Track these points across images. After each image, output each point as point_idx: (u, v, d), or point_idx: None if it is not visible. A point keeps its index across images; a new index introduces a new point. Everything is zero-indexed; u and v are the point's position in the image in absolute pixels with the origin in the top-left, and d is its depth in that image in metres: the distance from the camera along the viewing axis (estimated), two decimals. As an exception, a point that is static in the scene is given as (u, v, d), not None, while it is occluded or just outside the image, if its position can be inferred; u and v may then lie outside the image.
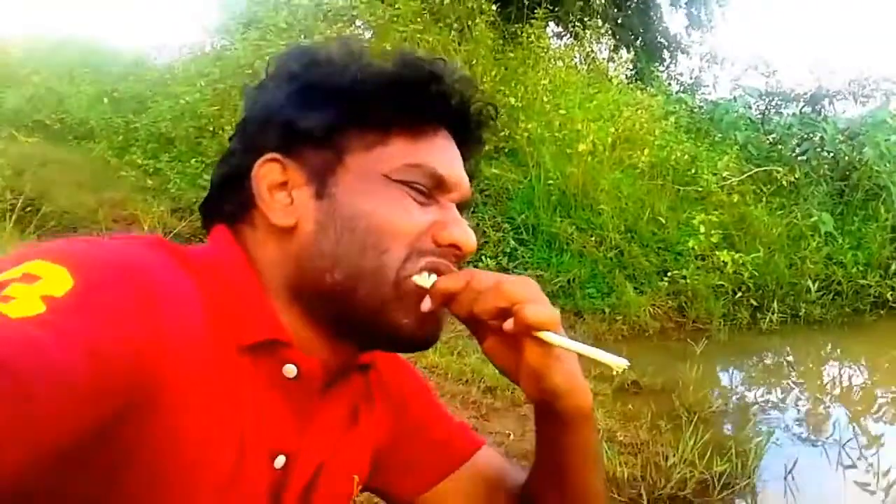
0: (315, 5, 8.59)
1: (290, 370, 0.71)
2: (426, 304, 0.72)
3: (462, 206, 0.78)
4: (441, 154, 0.76)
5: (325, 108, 0.73)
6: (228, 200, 0.76)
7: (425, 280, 0.72)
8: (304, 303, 0.72)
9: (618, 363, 0.68)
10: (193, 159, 6.52)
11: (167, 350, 0.58)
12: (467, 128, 0.81)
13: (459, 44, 8.06)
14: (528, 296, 0.70)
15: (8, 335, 0.46)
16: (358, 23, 8.81)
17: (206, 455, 0.62)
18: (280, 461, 0.72)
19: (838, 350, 5.85)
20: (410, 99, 0.74)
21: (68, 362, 0.48)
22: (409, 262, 0.72)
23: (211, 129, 6.92)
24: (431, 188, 0.74)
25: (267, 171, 0.73)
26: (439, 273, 0.73)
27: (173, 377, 0.58)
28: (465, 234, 0.75)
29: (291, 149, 0.73)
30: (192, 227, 5.91)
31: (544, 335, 0.70)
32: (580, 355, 0.71)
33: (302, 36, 7.36)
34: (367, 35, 8.36)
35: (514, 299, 0.69)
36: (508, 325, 0.69)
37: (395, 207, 0.72)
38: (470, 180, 0.83)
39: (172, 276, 0.63)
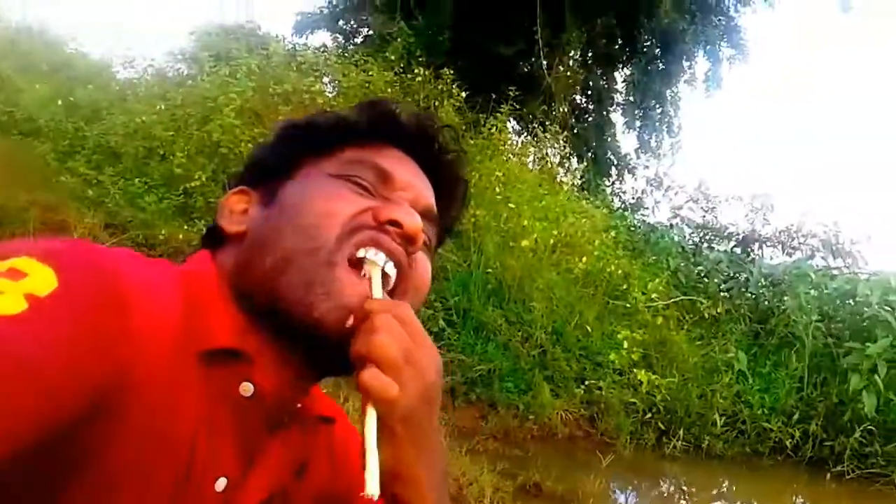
0: (289, 55, 8.69)
1: (246, 388, 0.70)
2: (349, 322, 0.68)
3: (424, 217, 0.78)
4: (389, 157, 0.81)
5: (286, 147, 0.83)
6: (214, 228, 0.81)
7: (373, 255, 0.72)
8: (249, 306, 0.72)
9: (369, 489, 0.61)
10: (137, 178, 6.40)
11: (138, 359, 0.59)
12: (424, 151, 0.85)
13: (425, 121, 8.19)
14: (391, 357, 0.64)
15: None
16: (326, 80, 8.92)
17: (159, 464, 0.63)
18: (221, 484, 0.70)
19: (734, 488, 5.95)
20: (358, 122, 0.82)
21: (44, 361, 0.50)
22: (343, 241, 0.72)
23: (161, 152, 6.83)
24: (376, 183, 0.78)
25: (234, 200, 0.82)
26: (380, 246, 0.73)
27: (139, 386, 0.59)
28: (404, 211, 0.75)
29: (260, 183, 0.82)
30: (121, 245, 5.71)
31: (369, 408, 0.64)
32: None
33: (272, 82, 7.40)
34: (335, 93, 8.48)
35: (376, 353, 0.64)
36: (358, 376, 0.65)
37: (332, 193, 0.75)
38: (451, 225, 0.90)
39: (151, 285, 0.65)
